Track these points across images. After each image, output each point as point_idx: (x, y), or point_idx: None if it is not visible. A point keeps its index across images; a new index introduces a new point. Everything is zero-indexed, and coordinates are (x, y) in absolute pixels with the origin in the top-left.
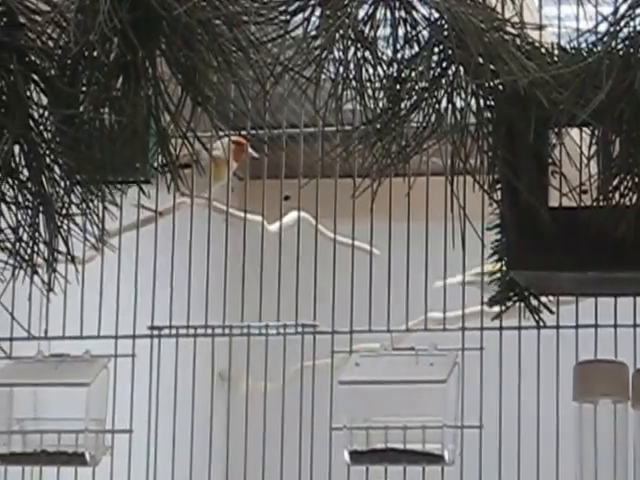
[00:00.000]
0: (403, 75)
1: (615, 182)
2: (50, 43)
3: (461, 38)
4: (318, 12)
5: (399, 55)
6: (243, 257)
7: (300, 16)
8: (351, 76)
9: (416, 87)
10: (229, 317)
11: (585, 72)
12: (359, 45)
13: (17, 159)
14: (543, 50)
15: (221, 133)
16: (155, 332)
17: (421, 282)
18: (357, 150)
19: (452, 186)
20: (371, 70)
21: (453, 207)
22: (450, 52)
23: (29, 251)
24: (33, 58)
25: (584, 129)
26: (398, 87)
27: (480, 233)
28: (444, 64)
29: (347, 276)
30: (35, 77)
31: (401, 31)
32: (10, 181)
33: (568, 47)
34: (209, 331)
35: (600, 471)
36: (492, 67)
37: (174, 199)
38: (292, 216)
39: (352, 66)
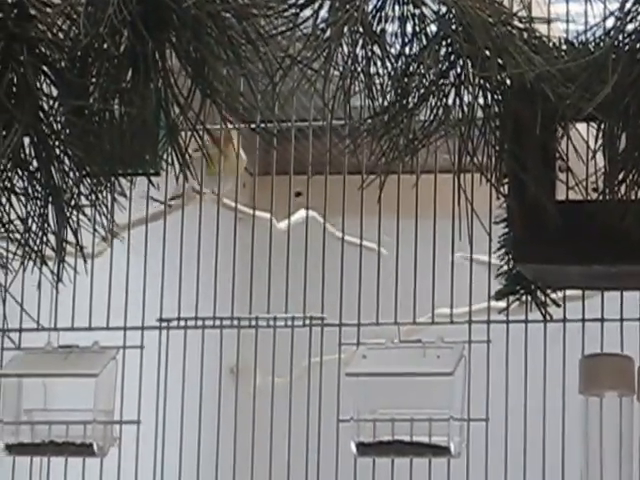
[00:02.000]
0: (411, 69)
1: (621, 176)
2: (60, 35)
3: (468, 32)
4: (327, 5)
5: (407, 49)
6: (251, 251)
7: (309, 9)
8: (359, 69)
9: (424, 81)
10: (237, 310)
11: (591, 66)
12: (367, 39)
13: (27, 150)
14: (550, 44)
15: (230, 126)
16: (164, 324)
17: (429, 278)
18: (365, 143)
19: (459, 180)
20: (379, 63)
21: (460, 201)
22: (458, 46)
23: (38, 242)
24: (43, 50)
25: (591, 123)
26: (406, 81)
27: (488, 228)
28: (452, 58)
29: (355, 273)
30: (45, 68)
31: (409, 25)
32: (20, 172)
33: (575, 41)
34: (217, 323)
35: (606, 464)
36: (499, 61)
37: (183, 192)
38: (301, 214)
39: (360, 59)
